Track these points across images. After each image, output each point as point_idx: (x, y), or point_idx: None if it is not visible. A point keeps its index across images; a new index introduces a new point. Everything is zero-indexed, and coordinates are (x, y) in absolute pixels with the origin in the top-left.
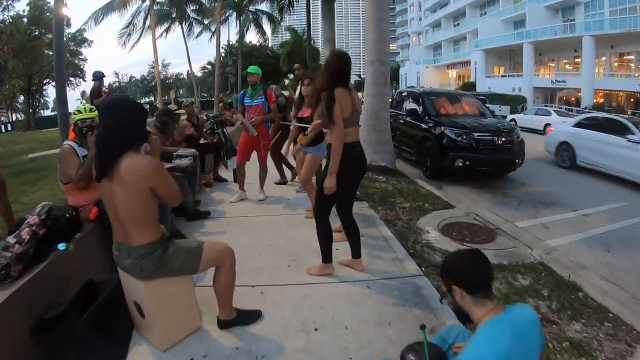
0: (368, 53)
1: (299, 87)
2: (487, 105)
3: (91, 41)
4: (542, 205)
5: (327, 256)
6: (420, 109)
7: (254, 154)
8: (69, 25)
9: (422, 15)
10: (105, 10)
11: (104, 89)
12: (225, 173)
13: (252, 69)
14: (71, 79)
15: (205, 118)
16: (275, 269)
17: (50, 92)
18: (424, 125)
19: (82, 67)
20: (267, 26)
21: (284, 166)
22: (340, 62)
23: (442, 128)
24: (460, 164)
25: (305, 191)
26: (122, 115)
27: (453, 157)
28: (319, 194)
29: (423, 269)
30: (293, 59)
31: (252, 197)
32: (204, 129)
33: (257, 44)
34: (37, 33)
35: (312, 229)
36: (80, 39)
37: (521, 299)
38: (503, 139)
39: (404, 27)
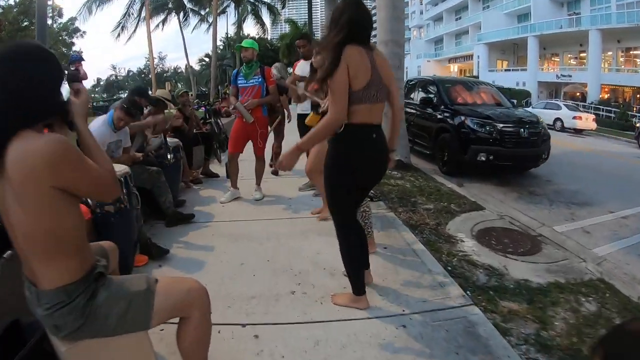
0: (380, 33)
1: (300, 64)
2: None
3: (84, 32)
4: (576, 205)
5: (357, 287)
6: (435, 98)
7: (249, 146)
8: (60, 15)
9: (424, 8)
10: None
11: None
12: (218, 168)
13: (246, 42)
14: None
15: (196, 105)
16: (275, 298)
17: None
18: (439, 116)
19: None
20: (266, 18)
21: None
22: (354, 11)
23: (462, 118)
24: (484, 158)
25: (312, 188)
26: (14, 71)
27: (475, 151)
28: (328, 193)
29: (468, 293)
30: (293, 52)
31: (247, 195)
32: (198, 120)
33: (256, 36)
34: (26, 23)
35: (321, 238)
36: (72, 29)
37: (594, 332)
38: (529, 131)
39: (405, 21)
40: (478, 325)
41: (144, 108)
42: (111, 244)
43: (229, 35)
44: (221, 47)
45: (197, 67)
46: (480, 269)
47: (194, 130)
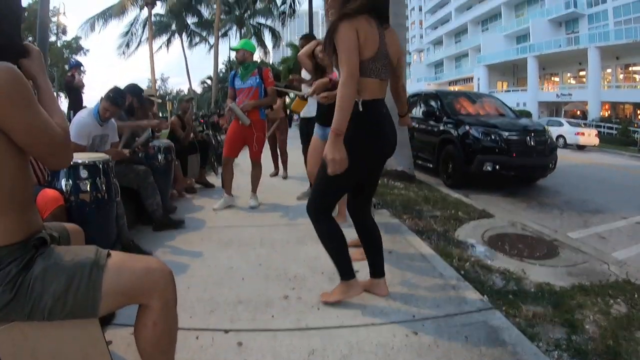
0: None
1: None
2: None
3: (87, 50)
4: (588, 213)
5: (345, 270)
6: (437, 111)
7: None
8: (64, 32)
9: (423, 32)
10: (104, 17)
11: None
12: (214, 180)
13: (240, 43)
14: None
15: (193, 118)
16: (265, 303)
17: None
18: (442, 127)
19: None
20: (268, 41)
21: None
22: None
23: (467, 127)
24: (490, 168)
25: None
26: None
27: (481, 161)
28: (319, 179)
29: (486, 297)
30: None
31: (241, 203)
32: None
33: (258, 60)
34: (30, 38)
35: (318, 244)
36: (75, 47)
37: (629, 335)
38: (536, 139)
39: (405, 45)
40: (502, 330)
41: (135, 108)
42: (76, 227)
43: (231, 59)
44: (223, 70)
45: (199, 90)
46: (495, 273)
47: (191, 138)
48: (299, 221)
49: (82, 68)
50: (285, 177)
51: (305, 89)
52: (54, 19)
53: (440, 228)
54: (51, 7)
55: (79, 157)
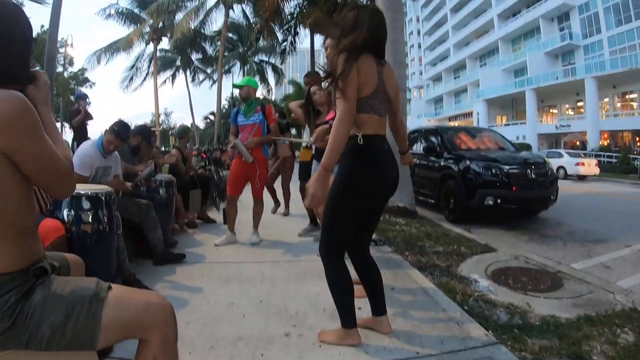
0: None
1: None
2: None
3: (93, 82)
4: (591, 243)
5: (347, 318)
6: (438, 146)
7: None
8: (71, 64)
9: (423, 69)
10: (111, 51)
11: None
12: (216, 215)
13: (243, 80)
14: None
15: (195, 153)
16: (266, 340)
17: None
18: (443, 163)
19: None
20: (271, 78)
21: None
22: (376, 23)
23: (467, 162)
24: (491, 202)
25: (313, 234)
26: None
27: (482, 195)
28: (325, 219)
29: (491, 332)
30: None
31: (243, 239)
32: (196, 166)
33: (261, 97)
34: (38, 67)
35: (321, 281)
36: (82, 79)
37: None
38: (536, 172)
39: (405, 82)
40: None
41: (140, 147)
42: (77, 257)
43: (234, 95)
44: (226, 107)
45: (201, 125)
46: (500, 307)
47: (191, 173)
48: (301, 258)
49: (87, 100)
50: (286, 214)
51: (306, 136)
52: (62, 50)
53: (442, 263)
54: (59, 38)
55: (81, 188)
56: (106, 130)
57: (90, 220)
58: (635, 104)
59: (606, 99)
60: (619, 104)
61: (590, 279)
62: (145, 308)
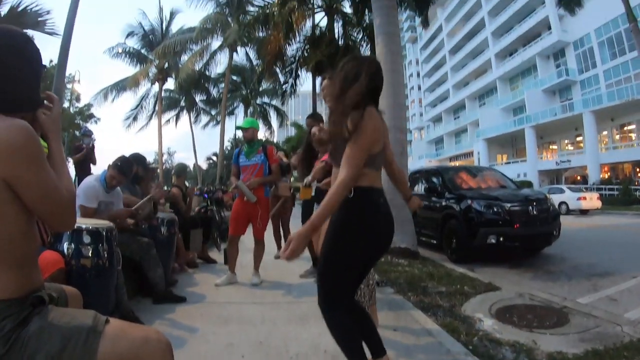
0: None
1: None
2: None
3: (98, 118)
4: (597, 276)
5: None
6: (439, 187)
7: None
8: (78, 100)
9: (423, 110)
10: (117, 89)
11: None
12: (217, 255)
13: (246, 122)
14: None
15: (197, 192)
16: None
17: None
18: (445, 203)
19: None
20: (273, 120)
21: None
22: (374, 71)
23: (469, 202)
24: (494, 241)
25: (314, 275)
26: None
27: (484, 234)
28: (325, 268)
29: None
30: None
31: (244, 280)
32: (199, 206)
33: (263, 139)
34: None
35: (323, 322)
36: (87, 114)
37: None
38: (538, 208)
39: (406, 124)
40: None
41: (141, 179)
42: (75, 290)
43: (237, 137)
44: (229, 148)
45: (204, 166)
46: (505, 346)
47: (191, 213)
48: (302, 299)
49: (92, 136)
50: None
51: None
52: (69, 86)
53: (446, 303)
54: (67, 74)
55: (82, 222)
56: (109, 166)
57: (90, 254)
58: (634, 135)
59: (605, 132)
60: (617, 136)
61: (597, 313)
62: (143, 343)
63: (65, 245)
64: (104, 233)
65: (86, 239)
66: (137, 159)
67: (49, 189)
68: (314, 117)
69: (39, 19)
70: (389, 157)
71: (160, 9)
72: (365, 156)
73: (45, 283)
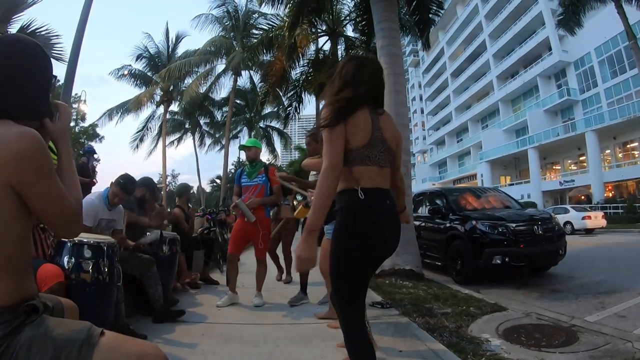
0: None
1: None
2: None
3: (102, 136)
4: (604, 294)
5: None
6: (443, 208)
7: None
8: (83, 119)
9: (426, 134)
10: (121, 110)
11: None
12: (219, 277)
13: (250, 141)
14: None
15: (200, 213)
16: None
17: None
18: (449, 224)
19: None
20: (277, 144)
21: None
22: (376, 68)
23: (473, 222)
24: (499, 261)
25: (303, 302)
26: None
27: (490, 254)
28: (335, 270)
29: None
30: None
31: (246, 301)
32: (201, 227)
33: (267, 162)
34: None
35: (325, 343)
36: (91, 133)
37: None
38: (543, 227)
39: (409, 146)
40: None
41: (145, 198)
42: (71, 303)
43: (241, 160)
44: (232, 171)
45: (208, 189)
46: None
47: (193, 234)
48: (304, 320)
49: (95, 156)
50: (288, 282)
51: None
52: (75, 106)
53: (452, 324)
54: (73, 94)
55: (84, 237)
56: (112, 183)
57: (90, 269)
58: (636, 153)
59: (608, 151)
60: (620, 154)
61: (606, 330)
62: (139, 357)
63: (66, 259)
64: (105, 248)
65: (87, 253)
66: (145, 184)
67: (55, 198)
68: (313, 135)
69: (49, 42)
70: (396, 161)
71: (166, 33)
72: (339, 140)
73: (41, 294)
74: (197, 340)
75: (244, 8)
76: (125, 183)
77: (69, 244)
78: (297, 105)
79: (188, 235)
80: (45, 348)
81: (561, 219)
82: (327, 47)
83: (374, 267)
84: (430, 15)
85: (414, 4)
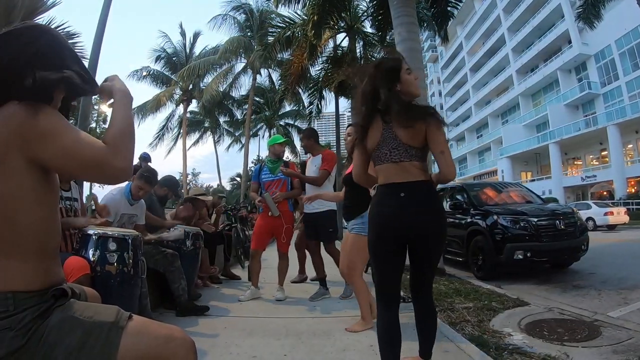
0: None
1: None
2: None
3: None
4: (627, 290)
5: None
6: (464, 203)
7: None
8: (105, 121)
9: (446, 130)
10: (142, 111)
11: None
12: (240, 272)
13: (277, 138)
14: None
15: (222, 209)
16: None
17: None
18: (470, 219)
19: None
20: (297, 141)
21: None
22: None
23: (495, 217)
24: (521, 257)
25: (325, 297)
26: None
27: (511, 249)
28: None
29: None
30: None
31: (268, 296)
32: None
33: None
34: (72, 121)
35: (347, 337)
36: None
37: None
38: (565, 222)
39: None
40: None
41: (167, 197)
42: (95, 292)
43: (260, 158)
44: (252, 169)
45: (228, 187)
46: (536, 359)
47: (217, 229)
48: (327, 315)
49: (149, 164)
50: (304, 279)
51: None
52: (96, 107)
53: (474, 319)
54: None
55: (109, 230)
56: (134, 177)
57: (115, 261)
58: None
59: (630, 145)
60: None
61: (629, 325)
62: (166, 341)
63: (91, 252)
64: (130, 241)
65: (112, 246)
66: (167, 183)
67: (72, 150)
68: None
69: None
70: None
71: (183, 32)
72: (357, 159)
73: (67, 284)
74: (219, 332)
75: (260, 8)
76: (148, 175)
77: (94, 237)
78: (319, 103)
79: (214, 231)
80: (74, 330)
81: (583, 215)
82: (344, 43)
83: (381, 255)
84: (449, 8)
85: None
